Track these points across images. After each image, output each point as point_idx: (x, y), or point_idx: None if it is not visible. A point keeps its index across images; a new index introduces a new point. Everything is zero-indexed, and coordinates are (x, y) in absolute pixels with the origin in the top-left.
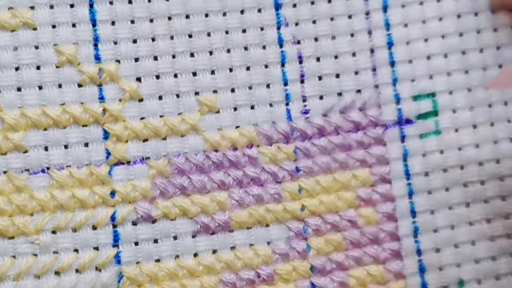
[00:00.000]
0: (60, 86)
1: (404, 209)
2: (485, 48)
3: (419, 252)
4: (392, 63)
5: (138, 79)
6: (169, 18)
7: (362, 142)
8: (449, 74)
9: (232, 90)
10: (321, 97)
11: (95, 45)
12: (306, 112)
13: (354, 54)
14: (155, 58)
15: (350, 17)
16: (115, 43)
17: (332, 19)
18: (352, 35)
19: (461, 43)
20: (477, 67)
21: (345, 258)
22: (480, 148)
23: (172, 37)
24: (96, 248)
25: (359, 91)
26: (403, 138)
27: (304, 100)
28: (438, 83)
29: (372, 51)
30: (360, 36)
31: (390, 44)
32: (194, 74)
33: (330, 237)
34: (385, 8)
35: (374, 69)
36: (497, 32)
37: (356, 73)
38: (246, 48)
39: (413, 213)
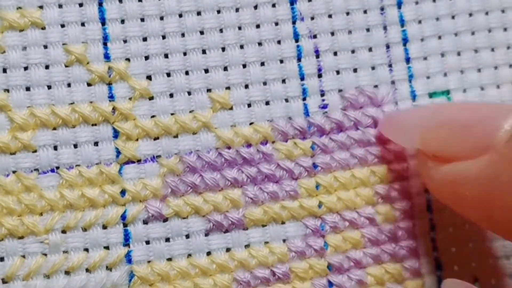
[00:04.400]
0: (69, 85)
1: (421, 207)
2: (496, 47)
3: (435, 249)
4: (408, 60)
5: (149, 77)
6: (180, 16)
7: (380, 137)
8: (462, 72)
9: (246, 86)
10: (340, 91)
11: (105, 44)
12: (324, 106)
13: (370, 49)
14: (166, 56)
15: (365, 12)
16: (125, 41)
17: (347, 13)
18: (368, 30)
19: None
20: (489, 66)
21: (363, 255)
22: None
23: (183, 34)
24: (107, 248)
25: (376, 86)
26: None
27: (323, 95)
28: (452, 80)
29: (387, 47)
30: (375, 32)
31: (405, 41)
32: (206, 71)
33: (348, 235)
34: (399, 4)
35: (390, 65)
36: (506, 31)
37: (373, 68)
38: (260, 44)
39: (429, 210)
